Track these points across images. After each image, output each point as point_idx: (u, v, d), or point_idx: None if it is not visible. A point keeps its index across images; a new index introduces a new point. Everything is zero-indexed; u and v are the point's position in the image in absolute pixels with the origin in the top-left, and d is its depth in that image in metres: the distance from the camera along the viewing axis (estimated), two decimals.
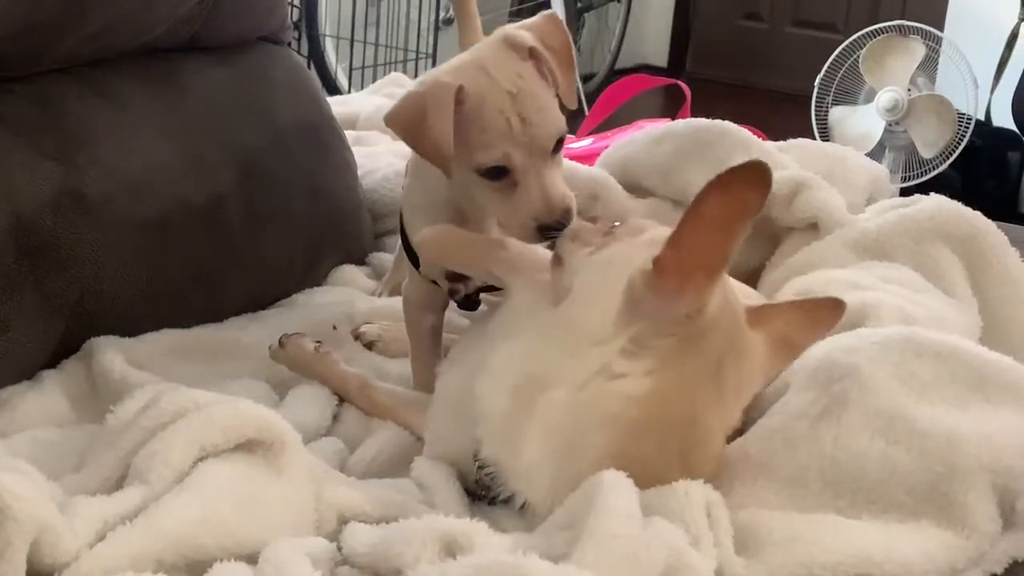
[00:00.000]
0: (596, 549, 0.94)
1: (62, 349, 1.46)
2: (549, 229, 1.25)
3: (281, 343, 1.49)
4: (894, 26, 3.86)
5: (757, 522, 1.04)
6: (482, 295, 1.44)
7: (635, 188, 1.88)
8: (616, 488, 0.98)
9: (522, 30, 1.28)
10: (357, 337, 1.61)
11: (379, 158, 2.10)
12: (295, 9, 4.25)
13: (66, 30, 1.51)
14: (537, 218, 1.25)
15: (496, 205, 1.29)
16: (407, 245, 1.46)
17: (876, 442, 1.08)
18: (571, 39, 1.31)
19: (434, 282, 1.41)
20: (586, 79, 5.83)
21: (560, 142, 1.27)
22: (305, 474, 1.11)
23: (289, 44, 2.01)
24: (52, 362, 1.45)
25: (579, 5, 5.57)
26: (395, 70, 3.86)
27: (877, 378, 1.13)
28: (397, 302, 1.55)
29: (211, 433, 1.06)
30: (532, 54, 1.26)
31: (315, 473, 1.13)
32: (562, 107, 1.30)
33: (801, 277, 1.45)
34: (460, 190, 1.32)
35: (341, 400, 1.44)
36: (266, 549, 1.00)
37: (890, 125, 3.84)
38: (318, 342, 1.49)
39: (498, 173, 1.25)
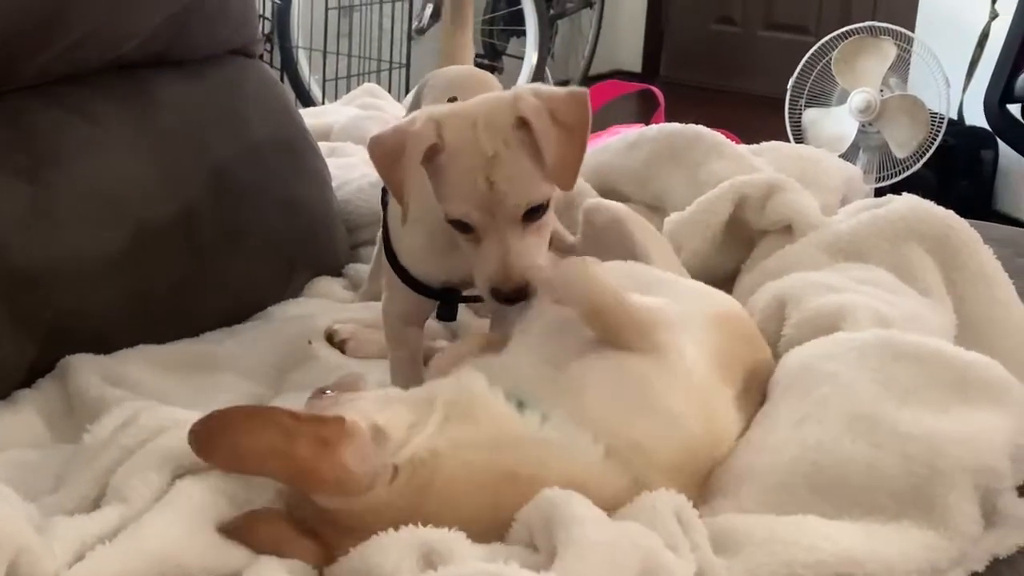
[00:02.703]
0: (577, 555, 0.94)
1: (37, 368, 1.45)
2: (502, 296, 1.23)
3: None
4: (865, 27, 3.88)
5: (735, 525, 1.04)
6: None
7: (611, 193, 1.88)
8: (571, 498, 0.99)
9: (534, 97, 1.24)
10: (329, 337, 1.61)
11: (354, 169, 2.09)
12: (267, 22, 4.25)
13: (35, 47, 1.50)
14: (490, 281, 1.23)
15: (469, 256, 1.27)
16: (392, 258, 1.45)
17: (859, 446, 1.08)
18: (590, 120, 1.25)
19: (423, 294, 1.41)
20: (561, 86, 5.82)
21: (537, 210, 1.23)
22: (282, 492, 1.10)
23: (261, 57, 2.00)
24: (27, 381, 1.44)
25: (552, 12, 5.57)
26: (369, 80, 3.85)
27: (857, 383, 1.14)
28: (375, 308, 1.54)
29: (190, 451, 1.06)
30: (525, 124, 1.22)
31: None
32: None
33: (776, 281, 1.45)
34: None
35: None
36: (249, 568, 1.00)
37: (863, 126, 3.85)
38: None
39: (464, 227, 1.24)
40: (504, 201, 1.21)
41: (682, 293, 1.31)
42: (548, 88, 1.28)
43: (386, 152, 1.25)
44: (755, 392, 1.25)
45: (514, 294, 1.23)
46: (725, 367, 1.20)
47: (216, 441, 1.00)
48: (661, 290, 1.28)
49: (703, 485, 1.14)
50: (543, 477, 1.04)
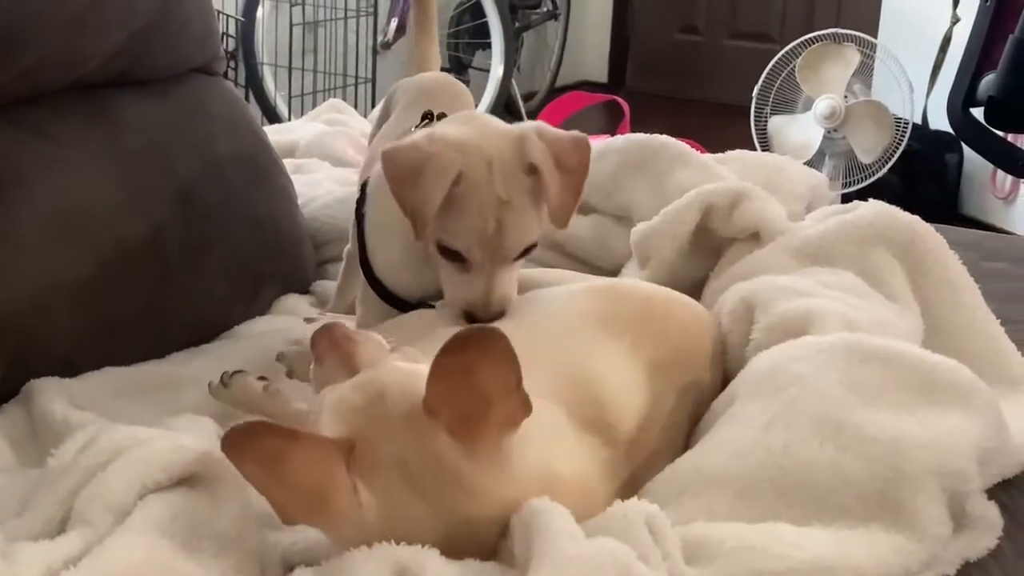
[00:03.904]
0: (551, 569, 0.93)
1: (2, 393, 1.44)
2: (477, 320, 1.27)
3: (223, 382, 1.44)
4: (829, 34, 3.90)
5: (706, 534, 1.04)
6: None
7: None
8: (553, 511, 0.98)
9: (542, 140, 1.26)
10: (279, 358, 1.59)
11: (320, 185, 2.09)
12: (231, 39, 4.24)
13: None
14: (472, 307, 1.28)
15: (443, 274, 1.31)
16: (368, 271, 1.44)
17: (825, 450, 1.08)
18: (589, 165, 1.29)
19: (398, 308, 1.40)
20: (527, 98, 5.86)
21: (527, 250, 1.29)
22: (247, 511, 1.09)
23: (226, 74, 1.99)
24: None
25: (517, 24, 5.58)
26: (334, 96, 3.86)
27: (824, 386, 1.14)
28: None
29: (152, 470, 1.05)
30: (532, 170, 1.25)
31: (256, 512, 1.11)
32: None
33: (744, 282, 1.45)
34: None
35: None
36: None
37: (829, 132, 3.88)
38: (264, 379, 1.44)
39: (455, 255, 1.27)
40: (507, 245, 1.26)
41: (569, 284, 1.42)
42: (552, 131, 1.29)
43: (403, 170, 1.24)
44: (668, 350, 1.28)
45: (490, 320, 1.27)
46: (604, 322, 1.26)
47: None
48: (547, 293, 1.37)
49: (629, 448, 1.17)
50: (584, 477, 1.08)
